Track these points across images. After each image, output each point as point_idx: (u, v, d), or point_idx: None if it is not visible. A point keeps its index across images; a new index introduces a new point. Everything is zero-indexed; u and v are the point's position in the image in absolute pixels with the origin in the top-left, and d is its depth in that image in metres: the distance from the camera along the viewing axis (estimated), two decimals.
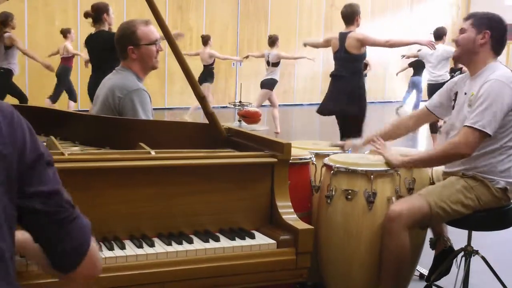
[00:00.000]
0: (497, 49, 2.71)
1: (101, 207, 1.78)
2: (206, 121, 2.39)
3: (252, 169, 2.02)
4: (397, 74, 13.41)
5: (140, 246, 1.77)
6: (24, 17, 11.18)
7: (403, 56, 9.47)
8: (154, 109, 2.86)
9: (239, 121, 9.02)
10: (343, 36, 5.46)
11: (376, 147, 2.83)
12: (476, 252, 2.82)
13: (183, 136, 2.41)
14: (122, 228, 1.84)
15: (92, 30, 5.31)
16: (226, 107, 12.02)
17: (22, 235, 1.32)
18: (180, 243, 1.82)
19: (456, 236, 3.10)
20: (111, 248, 1.73)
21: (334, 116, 5.67)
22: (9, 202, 1.17)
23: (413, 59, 10.85)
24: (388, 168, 2.63)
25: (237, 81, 13.61)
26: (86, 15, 5.24)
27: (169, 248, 1.78)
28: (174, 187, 1.89)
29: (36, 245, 1.28)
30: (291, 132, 10.66)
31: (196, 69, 8.99)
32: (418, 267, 3.25)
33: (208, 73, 10.17)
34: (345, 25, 5.53)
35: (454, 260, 2.97)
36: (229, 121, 9.50)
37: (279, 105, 9.85)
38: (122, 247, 1.75)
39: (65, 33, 9.68)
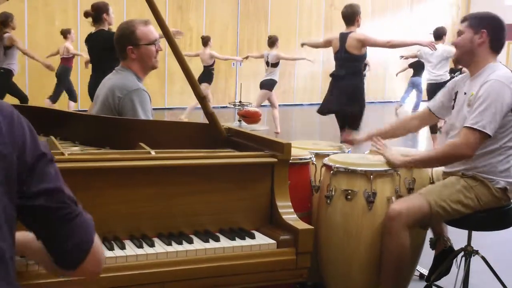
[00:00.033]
0: (496, 47, 2.71)
1: (101, 207, 1.78)
2: (206, 121, 2.39)
3: (252, 169, 2.02)
4: (396, 75, 13.41)
5: (140, 246, 1.77)
6: (24, 17, 11.18)
7: (402, 57, 9.47)
8: (154, 109, 2.86)
9: (239, 121, 9.02)
10: (343, 37, 5.46)
11: (376, 147, 2.84)
12: (476, 252, 2.82)
13: (183, 136, 2.41)
14: (122, 228, 1.84)
15: (92, 29, 5.32)
16: (226, 107, 12.02)
17: (22, 235, 1.32)
18: (180, 243, 1.82)
19: (456, 236, 3.10)
20: (111, 248, 1.73)
21: (334, 116, 5.68)
22: (9, 202, 1.17)
23: (413, 60, 10.85)
24: (388, 168, 2.63)
25: (237, 81, 13.61)
26: (86, 14, 5.25)
27: (169, 248, 1.78)
28: (174, 187, 1.89)
29: (38, 244, 1.28)
30: (291, 132, 10.66)
31: (196, 69, 8.99)
32: (418, 267, 3.25)
33: (207, 74, 10.18)
34: (346, 26, 5.53)
35: (454, 260, 2.97)
36: (229, 121, 9.50)
37: (279, 105, 9.86)
38: (122, 247, 1.75)
39: (65, 33, 9.68)
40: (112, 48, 2.95)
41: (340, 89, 5.50)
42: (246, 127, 8.24)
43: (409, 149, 3.26)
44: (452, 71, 8.70)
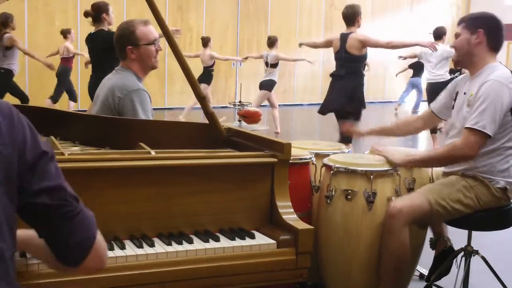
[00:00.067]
0: (494, 46, 2.71)
1: (101, 207, 1.78)
2: (206, 121, 2.39)
3: (252, 169, 2.02)
4: (396, 75, 13.43)
5: (140, 246, 1.77)
6: (24, 17, 11.18)
7: (400, 57, 9.46)
8: (154, 109, 2.86)
9: (239, 121, 9.02)
10: (344, 37, 5.48)
11: (377, 149, 2.85)
12: (476, 252, 2.82)
13: (183, 136, 2.41)
14: (122, 228, 1.84)
15: (92, 29, 5.32)
16: (226, 107, 12.02)
17: (24, 233, 1.32)
18: (180, 243, 1.82)
19: (456, 236, 3.10)
20: (111, 248, 1.73)
21: (334, 116, 5.69)
22: (9, 202, 1.17)
23: (412, 60, 10.84)
24: (388, 168, 2.63)
25: (237, 81, 13.61)
26: (86, 14, 5.25)
27: (169, 248, 1.78)
28: (174, 187, 1.89)
29: (39, 241, 1.28)
30: (291, 132, 10.66)
31: (196, 70, 8.98)
32: (418, 267, 3.25)
33: (207, 75, 10.18)
34: (346, 26, 5.54)
35: (454, 260, 2.97)
36: (229, 121, 9.49)
37: (279, 105, 9.86)
38: (122, 247, 1.75)
39: (65, 33, 9.68)
40: (112, 48, 2.95)
41: (340, 88, 5.51)
42: (246, 127, 8.24)
43: (409, 149, 3.27)
44: (452, 71, 8.70)
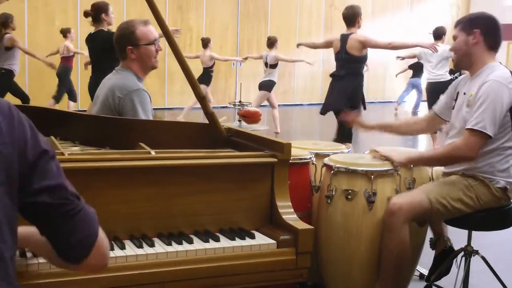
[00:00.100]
0: (492, 45, 2.72)
1: (101, 207, 1.76)
2: (206, 121, 2.39)
3: (252, 169, 2.02)
4: (396, 76, 13.43)
5: (140, 246, 1.77)
6: (24, 17, 11.18)
7: (398, 57, 9.46)
8: (154, 109, 2.86)
9: (239, 121, 9.03)
10: (344, 38, 5.49)
11: (378, 151, 2.85)
12: (476, 252, 2.82)
13: (183, 136, 2.41)
14: (122, 228, 1.84)
15: (92, 29, 5.32)
16: (226, 107, 12.02)
17: (25, 229, 1.32)
18: (180, 243, 1.82)
19: (456, 236, 3.10)
20: (111, 248, 1.73)
21: (334, 116, 5.70)
22: (10, 202, 1.16)
23: (412, 61, 10.84)
24: (389, 168, 2.63)
25: (237, 81, 13.61)
26: (86, 14, 5.25)
27: (169, 248, 1.78)
28: (174, 187, 1.89)
29: (40, 238, 1.27)
30: (291, 132, 10.66)
31: (196, 71, 8.96)
32: (418, 267, 3.25)
33: (206, 76, 10.19)
34: (347, 27, 5.55)
35: (454, 260, 2.97)
36: (229, 121, 9.49)
37: (279, 105, 9.86)
38: (122, 247, 1.75)
39: (65, 32, 9.69)
40: (112, 48, 2.95)
41: (340, 89, 5.53)
42: (246, 127, 8.24)
43: (409, 149, 3.27)
44: (452, 72, 8.70)
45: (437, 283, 3.01)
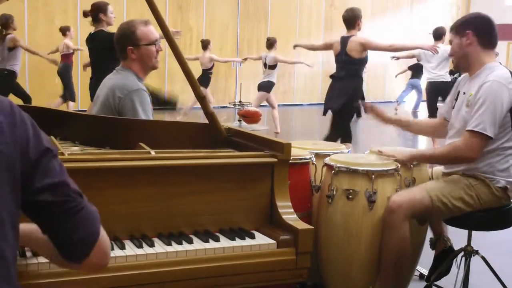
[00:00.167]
0: (486, 43, 2.72)
1: (101, 207, 1.75)
2: (206, 121, 2.39)
3: (252, 169, 2.02)
4: (396, 76, 13.42)
5: (140, 246, 1.77)
6: (24, 17, 11.18)
7: (393, 57, 9.45)
8: (154, 109, 2.86)
9: (239, 121, 9.03)
10: (344, 40, 5.51)
11: (378, 150, 2.86)
12: (476, 252, 2.82)
13: (183, 136, 2.41)
14: (122, 228, 1.84)
15: (92, 29, 5.32)
16: (226, 107, 12.02)
17: (26, 227, 1.31)
18: (180, 243, 1.82)
19: (456, 236, 3.10)
20: (111, 248, 1.73)
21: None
22: (12, 201, 1.16)
23: (412, 62, 10.84)
24: (389, 168, 2.63)
25: (237, 81, 13.60)
26: (85, 14, 5.25)
27: (169, 248, 1.78)
28: (174, 187, 1.89)
29: (41, 236, 1.27)
30: (291, 132, 10.65)
31: (195, 72, 8.97)
32: (418, 267, 3.25)
33: (205, 78, 10.19)
34: (347, 29, 5.57)
35: (454, 260, 2.97)
36: (229, 121, 9.50)
37: (278, 105, 9.86)
38: (122, 247, 1.75)
39: (64, 30, 9.70)
40: (112, 49, 2.95)
41: (339, 89, 5.57)
42: (246, 127, 8.25)
43: (409, 149, 3.27)
44: (452, 73, 8.71)
45: (437, 283, 3.01)
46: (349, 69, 5.50)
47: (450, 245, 3.10)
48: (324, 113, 5.83)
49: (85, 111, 7.74)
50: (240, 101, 10.24)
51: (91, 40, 5.32)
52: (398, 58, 9.43)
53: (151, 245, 1.78)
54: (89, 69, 5.85)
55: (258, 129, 8.60)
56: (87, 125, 2.67)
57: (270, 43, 9.45)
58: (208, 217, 1.96)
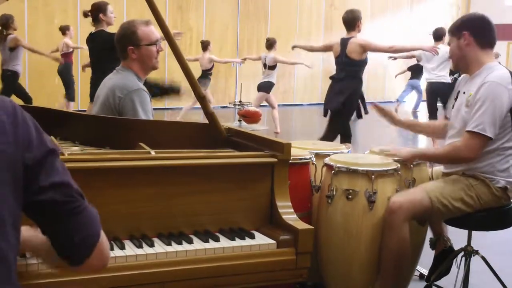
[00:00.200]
0: (484, 42, 2.72)
1: (101, 207, 1.75)
2: (206, 121, 2.39)
3: (252, 169, 2.02)
4: (395, 77, 13.42)
5: (140, 246, 1.77)
6: (24, 17, 11.18)
7: (390, 57, 9.44)
8: (154, 109, 2.86)
9: (239, 121, 9.03)
10: (344, 42, 5.52)
11: (384, 150, 2.88)
12: (476, 252, 2.82)
13: (183, 136, 2.41)
14: (122, 228, 1.84)
15: (93, 29, 5.32)
16: (226, 107, 12.02)
17: (23, 230, 1.31)
18: (180, 243, 1.82)
19: (456, 236, 3.10)
20: (111, 248, 1.73)
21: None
22: (14, 202, 1.16)
23: (411, 63, 10.84)
24: (389, 168, 2.63)
25: (237, 81, 13.60)
26: (85, 14, 5.26)
27: (169, 248, 1.78)
28: (174, 187, 1.89)
29: (39, 239, 1.27)
30: (291, 132, 10.65)
31: (195, 73, 9.00)
32: (418, 267, 3.25)
33: (204, 78, 10.19)
34: (347, 31, 5.58)
35: (454, 260, 2.97)
36: (229, 121, 9.50)
37: (278, 105, 9.86)
38: (122, 247, 1.75)
39: (63, 30, 9.71)
40: (112, 49, 2.95)
41: (338, 89, 5.59)
42: (246, 127, 8.25)
43: (410, 148, 3.27)
44: (451, 73, 8.71)
45: (437, 283, 3.01)
46: (349, 71, 5.52)
47: (450, 245, 3.10)
48: (325, 114, 5.86)
49: (85, 111, 7.74)
50: (240, 101, 10.24)
51: (91, 40, 5.33)
52: (395, 59, 9.43)
53: (151, 245, 1.78)
54: (89, 69, 5.85)
55: (258, 129, 8.60)
56: (87, 125, 2.67)
57: (270, 44, 9.46)
58: (208, 217, 1.96)
